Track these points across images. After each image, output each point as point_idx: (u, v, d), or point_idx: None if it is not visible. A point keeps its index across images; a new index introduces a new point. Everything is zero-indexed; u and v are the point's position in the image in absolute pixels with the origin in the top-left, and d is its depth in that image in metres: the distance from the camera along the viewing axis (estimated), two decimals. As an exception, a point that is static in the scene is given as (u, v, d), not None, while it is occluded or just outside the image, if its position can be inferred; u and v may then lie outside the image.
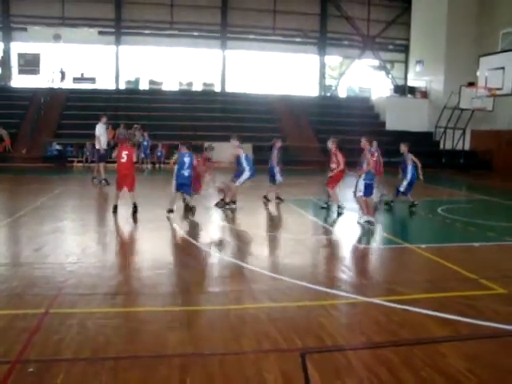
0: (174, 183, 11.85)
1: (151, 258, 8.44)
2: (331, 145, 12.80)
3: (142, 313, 5.87)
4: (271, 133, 28.53)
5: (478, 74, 17.78)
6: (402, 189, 13.63)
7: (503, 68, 16.55)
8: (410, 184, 13.61)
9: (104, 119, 17.41)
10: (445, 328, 5.59)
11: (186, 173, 11.59)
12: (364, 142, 11.71)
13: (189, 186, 11.84)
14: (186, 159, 11.61)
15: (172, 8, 34.25)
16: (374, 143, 13.98)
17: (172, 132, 25.89)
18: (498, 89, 16.84)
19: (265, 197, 14.33)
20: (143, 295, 6.47)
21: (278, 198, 14.30)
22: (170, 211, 11.63)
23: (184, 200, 12.38)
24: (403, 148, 13.82)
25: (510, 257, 9.30)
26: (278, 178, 14.11)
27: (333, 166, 12.65)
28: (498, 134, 27.89)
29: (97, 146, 17.47)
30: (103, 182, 17.03)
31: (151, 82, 35.43)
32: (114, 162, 13.54)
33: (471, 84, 22.30)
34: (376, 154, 14.00)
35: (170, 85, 35.88)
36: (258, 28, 35.92)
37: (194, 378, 4.36)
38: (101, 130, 17.27)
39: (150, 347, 4.94)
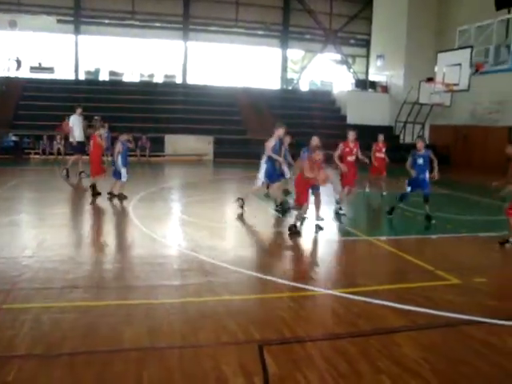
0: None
1: (109, 252, 8.33)
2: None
3: (100, 307, 5.77)
4: (233, 125, 28.61)
5: (436, 69, 18.09)
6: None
7: (460, 64, 16.88)
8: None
9: (79, 110, 16.89)
10: (402, 319, 5.68)
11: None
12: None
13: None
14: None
15: (133, -2, 33.76)
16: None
17: (133, 124, 25.53)
18: (454, 84, 17.19)
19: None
20: (101, 289, 6.37)
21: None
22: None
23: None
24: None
25: (465, 248, 9.52)
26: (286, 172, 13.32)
27: None
28: (455, 129, 28.47)
29: (70, 139, 17.04)
30: (82, 174, 16.46)
31: (112, 73, 34.80)
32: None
33: (430, 79, 22.67)
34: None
35: (131, 76, 35.37)
36: (221, 20, 35.69)
37: (151, 372, 4.32)
38: (75, 122, 16.78)
39: (107, 342, 4.87)
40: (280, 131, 11.62)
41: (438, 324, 5.60)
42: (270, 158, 11.33)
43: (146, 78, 35.52)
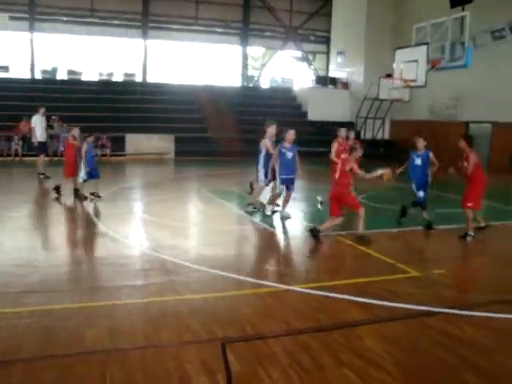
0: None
1: (70, 254, 8.20)
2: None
3: (59, 310, 5.64)
4: (194, 124, 28.47)
5: (395, 66, 18.35)
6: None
7: (417, 61, 17.16)
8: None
9: (42, 110, 16.45)
10: (363, 312, 5.76)
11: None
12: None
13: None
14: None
15: (92, -5, 33.10)
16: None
17: (92, 124, 25.14)
18: (412, 80, 17.46)
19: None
20: (60, 292, 6.24)
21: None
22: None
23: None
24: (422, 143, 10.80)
25: (424, 241, 9.72)
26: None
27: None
28: (415, 124, 28.93)
29: (32, 139, 16.63)
30: (40, 176, 16.00)
31: (70, 72, 34.10)
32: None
33: (389, 75, 22.97)
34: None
35: (90, 75, 34.77)
36: (181, 18, 35.35)
37: (113, 374, 4.28)
38: (36, 122, 16.35)
39: (67, 345, 4.79)
40: (272, 129, 11.41)
41: (398, 316, 5.70)
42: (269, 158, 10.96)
43: (105, 77, 34.98)
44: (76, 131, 13.20)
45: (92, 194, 12.37)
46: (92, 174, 12.43)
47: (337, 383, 4.22)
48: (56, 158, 20.78)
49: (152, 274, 6.95)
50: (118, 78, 34.93)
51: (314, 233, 8.96)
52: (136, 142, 24.75)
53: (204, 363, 4.44)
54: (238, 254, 8.52)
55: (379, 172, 9.01)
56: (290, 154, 10.77)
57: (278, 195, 11.14)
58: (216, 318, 5.45)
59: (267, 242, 9.51)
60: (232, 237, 9.71)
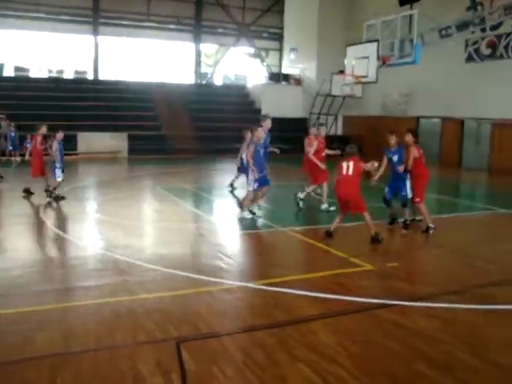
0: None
1: (19, 256, 7.95)
2: None
3: (8, 315, 5.47)
4: (147, 121, 28.15)
5: (346, 62, 18.60)
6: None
7: (367, 57, 17.43)
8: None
9: None
10: (317, 307, 5.81)
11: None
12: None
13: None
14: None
15: (38, -12, 32.17)
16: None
17: (42, 122, 24.47)
18: (363, 77, 17.73)
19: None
20: (9, 296, 6.05)
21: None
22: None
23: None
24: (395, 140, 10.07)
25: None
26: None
27: None
28: (367, 120, 29.41)
29: None
30: None
31: (17, 69, 33.22)
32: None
33: (341, 72, 23.25)
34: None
35: (39, 72, 33.94)
36: (132, 14, 34.79)
37: (65, 377, 4.20)
38: None
39: (16, 350, 4.65)
40: (268, 123, 11.33)
41: (352, 310, 5.77)
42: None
43: (54, 74, 34.21)
44: (44, 129, 13.00)
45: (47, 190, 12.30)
46: (64, 172, 12.45)
47: (292, 379, 4.24)
48: (4, 158, 20.23)
49: (105, 275, 6.84)
50: (68, 75, 34.21)
51: (328, 234, 8.96)
52: (88, 141, 24.30)
53: (159, 363, 4.40)
54: (192, 253, 8.47)
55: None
56: (261, 151, 10.72)
57: (259, 195, 10.90)
58: (171, 318, 5.41)
59: (222, 239, 9.49)
60: (187, 235, 9.65)
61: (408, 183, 9.88)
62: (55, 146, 12.27)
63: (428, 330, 5.23)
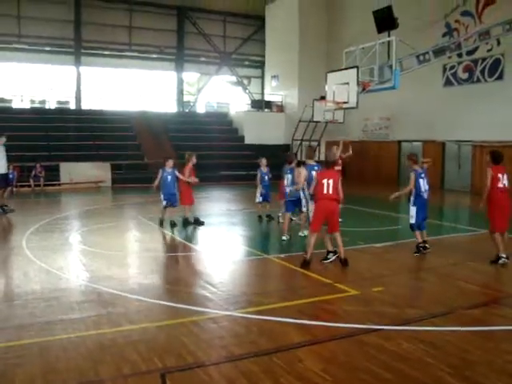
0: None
1: (0, 289, 7.83)
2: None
3: (-13, 350, 5.37)
4: (130, 151, 28.13)
5: (327, 88, 18.80)
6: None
7: (348, 83, 17.64)
8: None
9: (3, 139, 14.92)
10: (302, 334, 5.77)
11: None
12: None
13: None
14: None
15: (19, 20, 32.15)
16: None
17: (24, 153, 24.42)
18: (344, 102, 17.91)
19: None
20: (-11, 331, 5.94)
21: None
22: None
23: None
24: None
25: (362, 260, 9.86)
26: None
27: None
28: (349, 145, 29.65)
29: None
30: (5, 208, 15.13)
31: (-1, 100, 33.17)
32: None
33: (322, 98, 23.49)
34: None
35: (21, 103, 33.87)
36: (114, 44, 35.07)
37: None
38: None
39: (-5, 388, 4.55)
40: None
41: (338, 336, 5.74)
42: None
43: (37, 105, 34.15)
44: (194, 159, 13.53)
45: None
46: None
47: (278, 407, 4.19)
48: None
49: (88, 307, 6.74)
50: (50, 105, 34.18)
51: (305, 264, 8.83)
52: (71, 171, 24.21)
53: (143, 396, 4.32)
54: (176, 282, 8.38)
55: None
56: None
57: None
58: (155, 349, 5.33)
59: (206, 267, 9.43)
60: (171, 264, 9.59)
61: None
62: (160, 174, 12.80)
63: (413, 354, 5.21)
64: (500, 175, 9.26)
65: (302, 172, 10.57)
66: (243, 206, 17.69)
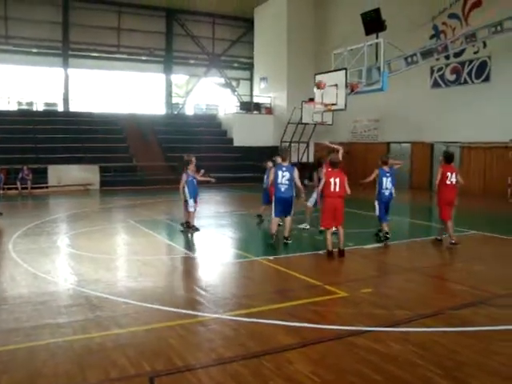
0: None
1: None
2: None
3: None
4: (119, 153, 28.01)
5: (315, 90, 18.83)
6: None
7: (336, 85, 17.67)
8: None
9: None
10: (292, 336, 5.75)
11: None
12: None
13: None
14: None
15: (7, 21, 31.91)
16: None
17: (11, 155, 24.28)
18: (333, 104, 17.93)
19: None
20: (-24, 335, 5.87)
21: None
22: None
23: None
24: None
25: (352, 261, 9.86)
26: None
27: None
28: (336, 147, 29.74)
29: None
30: None
31: (-15, 102, 32.91)
32: None
33: (311, 100, 23.52)
34: None
35: (8, 105, 33.65)
36: (102, 46, 34.93)
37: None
38: None
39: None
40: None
41: (327, 337, 5.73)
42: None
43: (24, 107, 33.93)
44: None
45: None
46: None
47: (267, 410, 4.17)
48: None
49: (76, 311, 6.69)
50: (38, 107, 33.96)
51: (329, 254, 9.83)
52: (59, 174, 24.06)
53: (131, 400, 4.29)
54: (165, 285, 8.35)
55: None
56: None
57: None
58: (144, 352, 5.29)
59: (194, 270, 9.42)
60: (159, 267, 9.53)
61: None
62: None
63: (403, 355, 5.21)
64: (449, 173, 10.72)
65: (272, 171, 11.28)
66: (232, 208, 17.67)
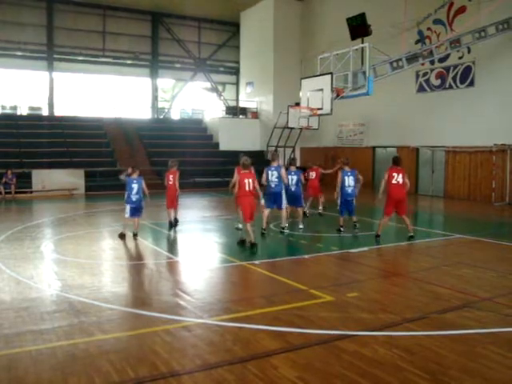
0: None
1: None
2: None
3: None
4: (104, 157, 27.83)
5: (301, 95, 18.85)
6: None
7: (322, 90, 17.71)
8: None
9: None
10: (277, 341, 5.72)
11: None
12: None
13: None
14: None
15: (-10, 24, 31.65)
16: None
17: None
18: (318, 109, 17.96)
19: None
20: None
21: None
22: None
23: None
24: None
25: (337, 265, 9.88)
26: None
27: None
28: (324, 151, 29.86)
29: None
30: None
31: (-33, 106, 32.55)
32: None
33: (297, 104, 23.56)
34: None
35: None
36: (87, 49, 34.68)
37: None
38: None
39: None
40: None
41: (313, 342, 5.71)
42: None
43: (8, 111, 33.60)
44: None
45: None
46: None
47: (253, 417, 4.13)
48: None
49: (59, 317, 6.60)
50: (22, 111, 33.65)
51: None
52: (43, 178, 23.80)
53: (115, 408, 4.23)
54: (150, 290, 8.29)
55: None
56: None
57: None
58: (128, 358, 5.23)
59: (179, 275, 9.36)
60: (144, 272, 9.46)
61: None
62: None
63: (389, 359, 5.21)
64: (395, 174, 11.81)
65: (264, 172, 12.72)
66: (218, 213, 17.63)
